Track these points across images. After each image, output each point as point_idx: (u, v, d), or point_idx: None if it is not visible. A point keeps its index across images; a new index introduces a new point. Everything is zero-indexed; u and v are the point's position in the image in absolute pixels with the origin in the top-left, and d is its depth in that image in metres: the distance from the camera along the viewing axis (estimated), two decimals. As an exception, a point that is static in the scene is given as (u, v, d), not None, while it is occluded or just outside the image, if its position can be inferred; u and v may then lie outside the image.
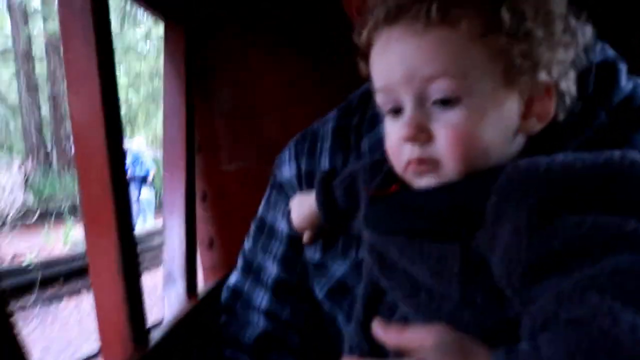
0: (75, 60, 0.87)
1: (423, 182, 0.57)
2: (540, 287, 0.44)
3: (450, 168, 0.54)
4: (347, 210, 0.76)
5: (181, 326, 1.05)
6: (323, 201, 0.78)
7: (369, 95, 0.60)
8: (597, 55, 0.69)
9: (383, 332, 0.57)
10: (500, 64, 0.53)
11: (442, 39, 0.52)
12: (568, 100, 0.57)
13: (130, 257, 0.91)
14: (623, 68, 0.69)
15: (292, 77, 1.55)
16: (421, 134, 0.54)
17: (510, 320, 0.48)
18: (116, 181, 0.91)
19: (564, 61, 0.55)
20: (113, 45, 0.95)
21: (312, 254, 0.87)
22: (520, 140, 0.57)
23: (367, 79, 0.61)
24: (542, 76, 0.54)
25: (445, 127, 0.53)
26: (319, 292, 0.86)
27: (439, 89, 0.53)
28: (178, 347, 1.03)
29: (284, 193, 0.93)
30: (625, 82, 0.68)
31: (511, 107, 0.54)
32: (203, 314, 1.17)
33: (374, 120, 0.82)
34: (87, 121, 0.91)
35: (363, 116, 0.87)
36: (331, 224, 0.80)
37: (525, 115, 0.55)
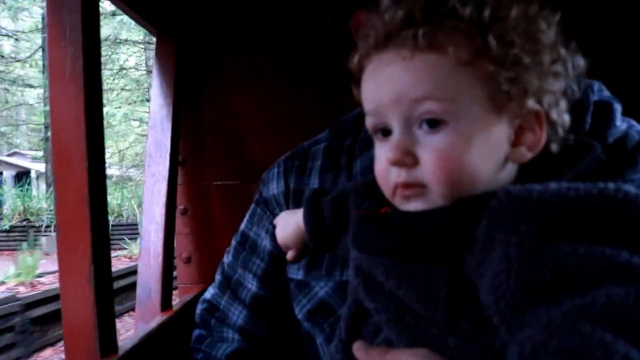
0: (60, 60, 0.86)
1: (411, 206, 0.56)
2: (528, 315, 0.42)
3: (436, 192, 0.53)
4: (334, 229, 0.74)
5: (152, 338, 1.01)
6: (310, 219, 0.76)
7: (363, 117, 0.60)
8: (594, 95, 0.70)
9: (365, 355, 0.55)
10: (487, 90, 0.52)
11: (430, 63, 0.53)
12: (560, 131, 0.57)
13: (103, 265, 0.88)
14: (618, 108, 0.70)
15: (278, 99, 1.56)
16: (407, 157, 0.54)
17: (496, 349, 0.47)
18: (94, 188, 0.88)
19: (554, 91, 0.55)
20: (101, 46, 0.93)
21: (295, 272, 0.85)
22: (511, 168, 0.56)
23: (359, 104, 0.60)
24: (531, 104, 0.54)
25: (430, 151, 0.53)
26: (299, 312, 0.84)
27: (426, 110, 0.53)
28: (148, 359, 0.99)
29: (269, 210, 0.92)
30: (620, 122, 0.69)
31: (500, 133, 0.54)
32: (176, 327, 1.13)
33: (368, 143, 0.80)
34: (68, 124, 0.89)
35: (356, 138, 0.87)
36: (316, 243, 0.77)
37: (515, 143, 0.55)
